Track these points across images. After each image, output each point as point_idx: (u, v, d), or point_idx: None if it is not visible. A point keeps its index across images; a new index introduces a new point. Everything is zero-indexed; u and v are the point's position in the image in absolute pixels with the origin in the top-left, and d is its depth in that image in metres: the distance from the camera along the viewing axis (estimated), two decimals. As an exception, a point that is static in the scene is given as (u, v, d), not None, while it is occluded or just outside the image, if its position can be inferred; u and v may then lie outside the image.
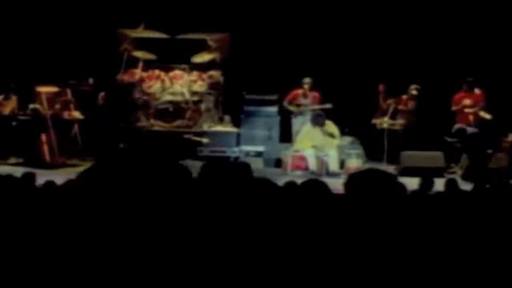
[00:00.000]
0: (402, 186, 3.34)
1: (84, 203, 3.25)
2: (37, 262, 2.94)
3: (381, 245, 2.86)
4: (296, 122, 12.01)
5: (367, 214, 3.00)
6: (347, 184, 3.13)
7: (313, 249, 2.87)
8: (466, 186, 7.11)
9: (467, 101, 11.78)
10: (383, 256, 2.82)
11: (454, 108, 11.82)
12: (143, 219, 3.06)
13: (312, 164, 10.92)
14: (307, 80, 11.99)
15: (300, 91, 12.06)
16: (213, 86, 12.40)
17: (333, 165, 10.99)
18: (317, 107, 11.86)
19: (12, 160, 11.51)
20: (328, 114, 11.46)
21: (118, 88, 12.03)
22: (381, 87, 12.30)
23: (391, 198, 3.09)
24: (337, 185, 7.21)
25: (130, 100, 12.06)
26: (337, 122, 11.44)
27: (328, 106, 11.75)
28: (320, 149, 11.04)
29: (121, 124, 12.06)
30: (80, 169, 11.91)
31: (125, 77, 12.00)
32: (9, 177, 4.23)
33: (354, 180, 3.11)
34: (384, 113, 12.03)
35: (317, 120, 11.22)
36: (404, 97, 12.09)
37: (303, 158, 11.04)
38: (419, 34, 12.99)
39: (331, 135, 11.19)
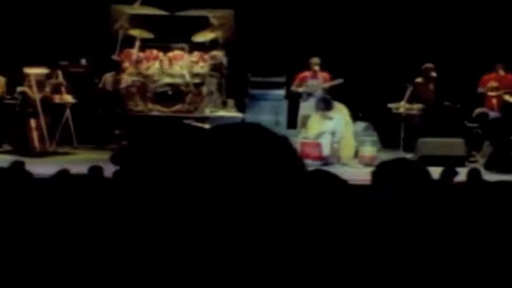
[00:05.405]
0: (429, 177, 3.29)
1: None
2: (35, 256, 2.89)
3: (406, 240, 2.80)
4: (304, 106, 11.71)
5: (395, 207, 2.92)
6: (375, 174, 3.04)
7: (329, 238, 2.76)
8: (490, 177, 6.92)
9: (493, 83, 11.56)
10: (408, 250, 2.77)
11: (480, 90, 11.63)
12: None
13: (326, 150, 10.47)
14: (316, 60, 11.72)
15: (308, 73, 11.80)
16: (215, 67, 12.05)
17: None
18: (327, 84, 11.61)
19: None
20: (340, 98, 11.15)
21: None
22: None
23: (421, 190, 3.03)
24: (351, 175, 6.92)
25: None
26: (350, 107, 11.19)
27: (339, 81, 11.52)
28: (331, 135, 10.59)
29: (118, 110, 11.82)
30: (72, 157, 12.03)
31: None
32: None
33: (384, 170, 2.99)
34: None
35: (319, 105, 10.86)
36: (420, 79, 11.66)
37: (314, 146, 10.55)
38: (438, 12, 12.69)
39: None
